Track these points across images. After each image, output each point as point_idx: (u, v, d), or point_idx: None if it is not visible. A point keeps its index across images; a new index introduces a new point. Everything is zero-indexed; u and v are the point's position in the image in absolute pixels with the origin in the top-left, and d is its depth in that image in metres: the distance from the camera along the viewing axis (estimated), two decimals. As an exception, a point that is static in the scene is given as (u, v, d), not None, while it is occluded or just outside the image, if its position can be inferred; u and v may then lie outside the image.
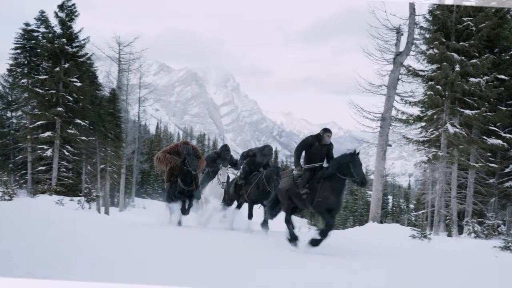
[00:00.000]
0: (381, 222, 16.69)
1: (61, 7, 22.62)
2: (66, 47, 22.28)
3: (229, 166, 11.49)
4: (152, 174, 50.82)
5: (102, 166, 26.80)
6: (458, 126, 17.18)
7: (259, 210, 10.65)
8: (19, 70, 24.80)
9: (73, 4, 22.81)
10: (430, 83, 17.86)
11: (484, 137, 17.50)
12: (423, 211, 24.38)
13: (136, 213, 30.56)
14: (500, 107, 17.52)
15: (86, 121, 22.79)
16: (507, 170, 18.19)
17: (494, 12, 17.42)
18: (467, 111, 17.13)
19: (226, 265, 5.95)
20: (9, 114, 27.50)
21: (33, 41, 24.01)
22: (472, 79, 17.01)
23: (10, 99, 27.09)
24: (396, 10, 16.73)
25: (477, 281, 6.51)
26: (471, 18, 17.40)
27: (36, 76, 22.56)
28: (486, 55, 17.11)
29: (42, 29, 23.44)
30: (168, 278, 5.00)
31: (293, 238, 7.97)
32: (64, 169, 22.46)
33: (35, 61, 23.69)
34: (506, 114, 17.35)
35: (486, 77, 17.00)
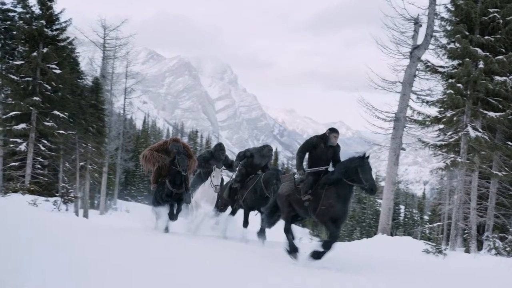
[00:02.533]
0: (391, 235, 16.75)
1: (40, -16, 22.59)
2: (45, 29, 22.24)
3: (223, 167, 11.51)
4: (137, 174, 50.87)
5: (82, 163, 26.79)
6: (480, 130, 17.19)
7: (255, 217, 10.66)
8: (-9, 54, 24.77)
9: (55, -18, 22.80)
10: (450, 80, 17.87)
11: (509, 143, 17.52)
12: (438, 223, 24.46)
13: (118, 216, 30.64)
14: (528, 110, 17.55)
15: (65, 113, 22.76)
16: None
17: (524, 4, 17.44)
18: (491, 113, 17.14)
19: (218, 277, 5.96)
20: (-21, 103, 27.46)
21: (8, 22, 23.96)
22: (497, 78, 17.03)
23: (-20, 86, 27.06)
24: (414, -1, 16.72)
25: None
26: (498, 10, 17.42)
27: (11, 61, 22.53)
28: (513, 52, 17.15)
29: (19, 9, 23.39)
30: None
31: (292, 250, 7.98)
32: (39, 166, 22.42)
33: (10, 44, 23.64)
34: (534, 118, 17.35)
35: (513, 76, 17.04)
